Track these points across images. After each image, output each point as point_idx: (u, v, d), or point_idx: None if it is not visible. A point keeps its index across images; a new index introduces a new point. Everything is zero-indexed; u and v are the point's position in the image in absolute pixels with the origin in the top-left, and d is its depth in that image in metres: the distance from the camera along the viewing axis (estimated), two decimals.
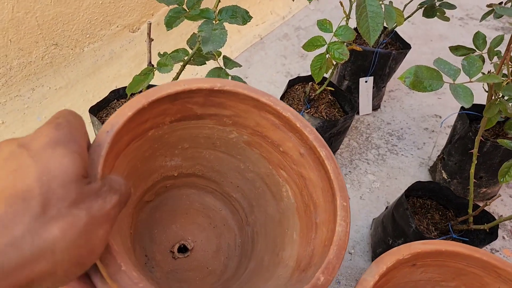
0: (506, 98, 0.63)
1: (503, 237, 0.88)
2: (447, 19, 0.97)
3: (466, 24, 1.58)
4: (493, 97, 0.59)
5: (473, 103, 0.81)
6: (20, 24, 0.72)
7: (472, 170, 0.62)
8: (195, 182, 0.54)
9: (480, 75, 0.56)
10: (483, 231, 0.66)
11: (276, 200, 0.50)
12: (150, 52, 0.67)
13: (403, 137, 1.09)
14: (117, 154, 0.38)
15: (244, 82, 0.65)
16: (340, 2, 0.76)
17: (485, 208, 0.71)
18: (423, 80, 0.53)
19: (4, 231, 0.22)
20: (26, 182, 0.23)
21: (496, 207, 0.93)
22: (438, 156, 0.95)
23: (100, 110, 0.74)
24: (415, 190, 0.72)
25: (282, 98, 0.84)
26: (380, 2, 0.77)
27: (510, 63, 0.56)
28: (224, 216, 0.55)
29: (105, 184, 0.27)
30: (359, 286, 0.43)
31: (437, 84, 0.53)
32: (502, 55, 0.58)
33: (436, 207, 0.74)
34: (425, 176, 0.98)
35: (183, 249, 0.51)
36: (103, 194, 0.26)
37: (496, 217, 0.85)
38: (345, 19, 0.76)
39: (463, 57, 0.77)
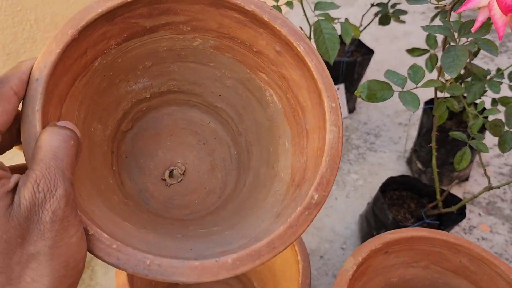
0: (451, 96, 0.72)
1: (479, 214, 0.96)
2: (402, 22, 1.05)
3: (428, 18, 1.68)
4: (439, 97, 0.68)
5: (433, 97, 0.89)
6: None
7: (434, 162, 0.70)
8: (174, 99, 0.48)
9: (425, 80, 0.65)
10: (453, 213, 0.74)
11: (263, 107, 0.45)
12: None
13: (380, 134, 1.17)
14: (61, 99, 0.33)
15: None
16: (300, 27, 0.84)
17: (458, 189, 0.80)
18: (376, 92, 0.62)
19: None
20: None
21: (470, 187, 1.02)
22: (411, 148, 1.03)
23: None
24: (390, 185, 0.81)
25: None
26: (336, 21, 0.86)
27: None
28: (213, 128, 0.49)
29: (36, 189, 0.23)
30: (340, 276, 0.51)
31: (388, 94, 0.61)
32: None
33: (411, 197, 0.82)
34: (403, 168, 1.07)
35: (175, 175, 0.47)
36: (42, 204, 0.22)
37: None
38: None
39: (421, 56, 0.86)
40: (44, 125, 0.27)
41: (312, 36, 0.79)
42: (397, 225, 0.73)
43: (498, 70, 0.77)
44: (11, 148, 0.29)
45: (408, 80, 0.64)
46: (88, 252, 0.26)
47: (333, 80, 1.13)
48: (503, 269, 0.52)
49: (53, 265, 0.22)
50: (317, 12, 0.77)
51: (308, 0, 0.85)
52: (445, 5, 0.95)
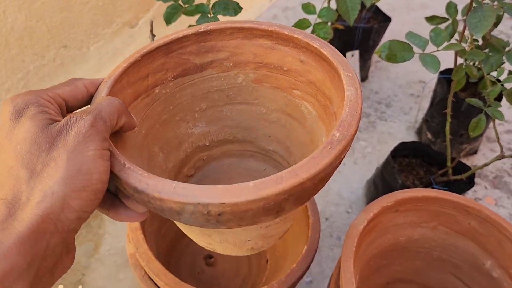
0: (472, 62, 0.71)
1: (485, 187, 0.97)
2: None
3: None
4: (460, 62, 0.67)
5: (449, 67, 0.88)
6: (33, 31, 0.79)
7: (447, 128, 0.70)
8: (231, 150, 0.55)
9: (446, 43, 0.64)
10: (462, 181, 0.74)
11: (302, 125, 0.50)
12: None
13: (391, 104, 1.17)
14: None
15: None
16: None
17: (466, 163, 0.80)
18: (396, 52, 0.61)
19: (15, 202, 0.26)
20: (10, 161, 0.28)
21: (478, 161, 1.02)
22: (423, 118, 1.03)
23: None
24: (401, 150, 0.81)
25: None
26: None
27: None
28: (268, 174, 0.52)
29: (76, 114, 0.29)
30: (351, 229, 0.51)
31: (408, 55, 0.61)
32: None
33: (421, 164, 0.82)
34: (412, 138, 1.07)
35: None
36: (74, 123, 0.28)
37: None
38: (327, 0, 0.83)
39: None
40: None
41: None
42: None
43: None
44: None
45: (429, 43, 0.63)
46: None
47: (348, 46, 1.13)
48: None
49: (66, 165, 0.27)
50: None
51: None
52: None
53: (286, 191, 0.30)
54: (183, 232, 0.53)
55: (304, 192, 0.31)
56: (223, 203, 0.29)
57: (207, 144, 0.54)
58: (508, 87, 0.68)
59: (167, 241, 0.69)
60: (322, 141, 0.45)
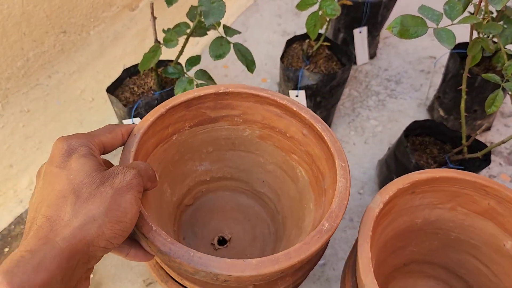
0: (487, 36, 0.68)
1: (500, 164, 0.94)
2: None
3: None
4: (474, 36, 0.64)
5: (462, 42, 0.85)
6: (31, 17, 0.76)
7: (463, 105, 0.68)
8: (227, 185, 0.62)
9: (462, 16, 0.61)
10: (477, 159, 0.72)
11: (295, 183, 0.56)
12: (155, 29, 0.72)
13: (401, 81, 1.14)
14: (146, 154, 0.47)
15: (245, 48, 0.70)
16: None
17: (479, 139, 0.77)
18: (409, 28, 0.58)
19: (58, 221, 0.31)
20: (60, 185, 0.33)
21: (492, 137, 1.00)
22: (434, 95, 1.00)
23: (115, 88, 0.80)
24: (413, 129, 0.78)
25: (281, 57, 0.89)
26: None
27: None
28: (257, 211, 0.62)
29: (121, 166, 0.36)
30: (367, 213, 0.50)
31: (422, 30, 0.58)
32: None
33: (434, 142, 0.80)
34: (424, 116, 1.04)
35: (222, 242, 0.60)
36: (121, 171, 0.35)
37: None
38: None
39: None
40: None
41: None
42: (420, 170, 0.72)
43: None
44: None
45: (443, 17, 0.60)
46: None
47: (356, 22, 1.09)
48: None
49: (110, 200, 0.33)
50: None
51: None
52: None
53: (281, 270, 0.37)
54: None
55: (294, 269, 0.40)
56: (230, 275, 0.35)
57: (208, 179, 0.60)
58: None
59: None
60: (310, 208, 0.52)
